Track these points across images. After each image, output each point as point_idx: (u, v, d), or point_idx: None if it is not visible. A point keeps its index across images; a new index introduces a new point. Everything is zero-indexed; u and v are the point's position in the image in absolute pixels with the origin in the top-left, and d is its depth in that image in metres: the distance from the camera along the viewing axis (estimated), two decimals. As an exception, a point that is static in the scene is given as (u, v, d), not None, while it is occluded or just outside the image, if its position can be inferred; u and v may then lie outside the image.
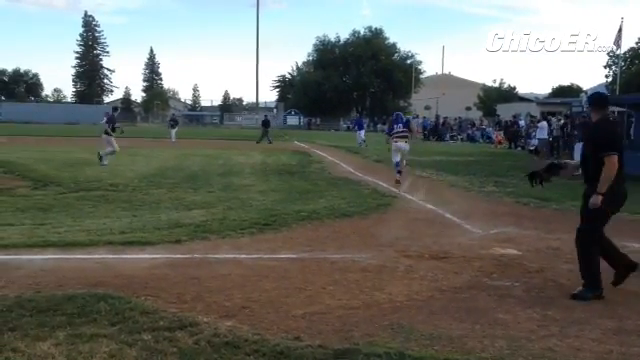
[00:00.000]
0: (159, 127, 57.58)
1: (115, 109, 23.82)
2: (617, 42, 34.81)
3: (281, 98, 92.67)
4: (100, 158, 19.22)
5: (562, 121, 28.08)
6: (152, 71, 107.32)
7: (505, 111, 52.50)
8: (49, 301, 5.24)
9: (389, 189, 14.29)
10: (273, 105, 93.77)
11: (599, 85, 54.23)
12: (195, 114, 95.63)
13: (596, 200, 5.93)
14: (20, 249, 7.42)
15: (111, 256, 7.22)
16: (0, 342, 4.32)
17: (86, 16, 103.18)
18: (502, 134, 40.89)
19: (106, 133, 19.93)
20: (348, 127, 71.31)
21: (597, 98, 6.83)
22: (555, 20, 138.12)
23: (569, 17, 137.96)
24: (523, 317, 5.34)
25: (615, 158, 5.90)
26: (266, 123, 38.72)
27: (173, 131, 37.35)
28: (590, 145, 6.23)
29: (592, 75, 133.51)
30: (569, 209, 11.88)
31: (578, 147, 20.71)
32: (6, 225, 9.12)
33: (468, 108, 71.52)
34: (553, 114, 32.64)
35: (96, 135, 21.66)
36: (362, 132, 35.27)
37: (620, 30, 36.29)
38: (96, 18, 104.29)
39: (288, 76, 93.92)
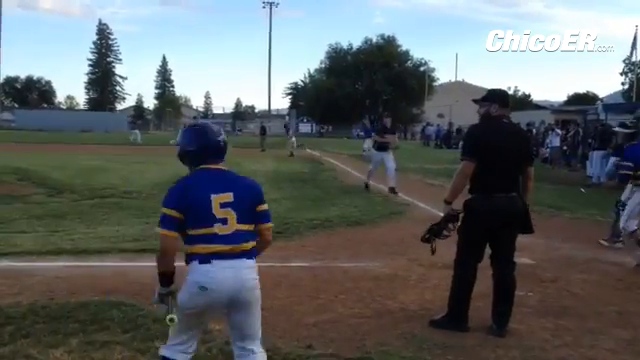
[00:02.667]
0: (171, 135, 57.67)
1: (387, 115, 20.58)
2: (633, 50, 34.74)
3: (293, 105, 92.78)
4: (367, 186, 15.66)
5: (572, 131, 27.84)
6: (164, 78, 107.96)
7: (519, 119, 52.18)
8: (62, 308, 5.27)
9: (402, 197, 14.25)
10: (285, 112, 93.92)
11: (615, 93, 54.05)
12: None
13: (445, 209, 5.19)
14: (34, 256, 7.47)
15: (124, 263, 7.25)
16: (13, 349, 4.35)
17: (100, 24, 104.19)
18: None
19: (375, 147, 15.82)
20: (358, 135, 71.27)
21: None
22: (570, 28, 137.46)
23: (583, 25, 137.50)
24: (537, 326, 5.31)
25: (467, 165, 5.01)
26: (263, 130, 39.69)
27: None
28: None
29: (608, 82, 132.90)
30: (583, 218, 11.84)
31: (593, 155, 20.62)
32: (20, 232, 9.18)
33: (481, 116, 71.13)
34: (568, 122, 32.44)
35: (111, 143, 21.69)
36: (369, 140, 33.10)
37: (635, 38, 36.16)
38: (110, 26, 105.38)
39: (300, 83, 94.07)
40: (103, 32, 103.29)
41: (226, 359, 4.30)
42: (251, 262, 3.45)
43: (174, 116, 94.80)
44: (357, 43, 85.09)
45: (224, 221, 3.39)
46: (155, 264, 3.56)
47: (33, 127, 59.47)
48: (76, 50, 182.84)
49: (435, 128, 55.84)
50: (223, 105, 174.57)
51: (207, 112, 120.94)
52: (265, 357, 3.57)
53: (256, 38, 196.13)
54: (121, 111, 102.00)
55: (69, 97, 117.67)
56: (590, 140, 24.05)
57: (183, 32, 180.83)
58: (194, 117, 35.04)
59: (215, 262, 3.34)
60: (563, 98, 76.18)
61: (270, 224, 3.64)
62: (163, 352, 3.56)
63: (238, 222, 3.42)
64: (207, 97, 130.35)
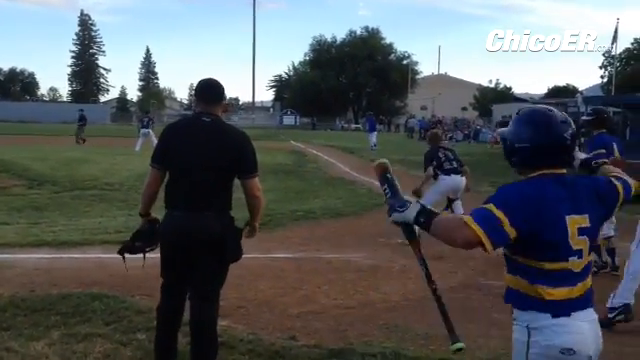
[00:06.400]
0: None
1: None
2: (613, 43, 35.13)
3: (277, 98, 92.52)
4: None
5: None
6: (148, 70, 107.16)
7: (500, 111, 52.65)
8: (43, 300, 5.24)
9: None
10: (270, 105, 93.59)
11: (594, 85, 54.49)
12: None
13: (141, 223, 4.25)
14: (14, 248, 7.43)
15: (106, 255, 7.19)
16: (-6, 341, 4.31)
17: (82, 15, 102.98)
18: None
19: None
20: (342, 127, 71.40)
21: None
22: (550, 20, 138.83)
23: (564, 17, 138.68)
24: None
25: (151, 173, 3.98)
26: (82, 118, 38.25)
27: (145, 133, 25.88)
28: None
29: (588, 75, 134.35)
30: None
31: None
32: (1, 224, 9.10)
33: (464, 108, 71.61)
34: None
35: (93, 135, 21.12)
36: (374, 134, 31.38)
37: (616, 31, 36.53)
38: (92, 17, 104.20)
39: (285, 76, 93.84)
40: (85, 23, 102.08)
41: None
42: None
43: (158, 108, 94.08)
44: (341, 35, 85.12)
45: (580, 254, 2.49)
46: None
47: (15, 119, 58.70)
48: (59, 41, 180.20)
49: (417, 120, 56.11)
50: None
51: (191, 104, 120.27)
52: None
53: (240, 30, 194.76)
54: (104, 103, 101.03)
55: (52, 89, 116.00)
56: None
57: (166, 23, 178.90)
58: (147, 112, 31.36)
59: (574, 314, 2.45)
60: (543, 91, 76.43)
61: None
62: None
63: (589, 252, 2.55)
64: (191, 89, 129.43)
